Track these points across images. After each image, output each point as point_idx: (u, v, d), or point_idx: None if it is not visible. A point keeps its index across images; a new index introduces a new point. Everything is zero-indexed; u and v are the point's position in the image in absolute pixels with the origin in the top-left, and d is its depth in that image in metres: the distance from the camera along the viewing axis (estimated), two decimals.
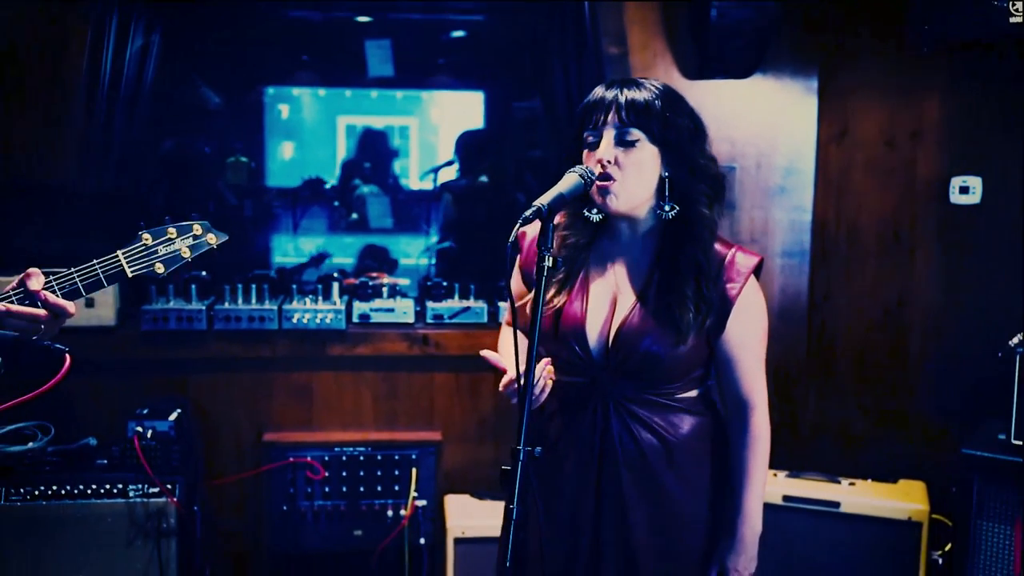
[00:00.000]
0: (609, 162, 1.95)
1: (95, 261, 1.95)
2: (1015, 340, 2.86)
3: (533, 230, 2.07)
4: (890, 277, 3.55)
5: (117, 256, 1.96)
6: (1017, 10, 2.82)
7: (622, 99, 1.97)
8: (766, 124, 3.68)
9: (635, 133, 1.96)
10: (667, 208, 2.02)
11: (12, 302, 1.87)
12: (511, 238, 1.79)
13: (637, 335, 2.00)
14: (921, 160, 3.46)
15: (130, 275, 1.96)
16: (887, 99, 3.53)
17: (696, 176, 2.02)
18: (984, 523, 2.83)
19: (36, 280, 1.87)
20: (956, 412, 3.36)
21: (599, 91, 2.02)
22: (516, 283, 2.22)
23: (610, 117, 1.97)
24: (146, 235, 1.99)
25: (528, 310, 2.04)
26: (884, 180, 3.55)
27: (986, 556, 2.82)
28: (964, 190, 3.35)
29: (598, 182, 1.94)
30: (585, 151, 2.01)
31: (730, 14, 3.32)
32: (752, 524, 2.11)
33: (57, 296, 1.90)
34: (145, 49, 4.02)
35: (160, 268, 1.98)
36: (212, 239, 2.04)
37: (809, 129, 3.68)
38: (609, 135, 1.97)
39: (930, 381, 3.49)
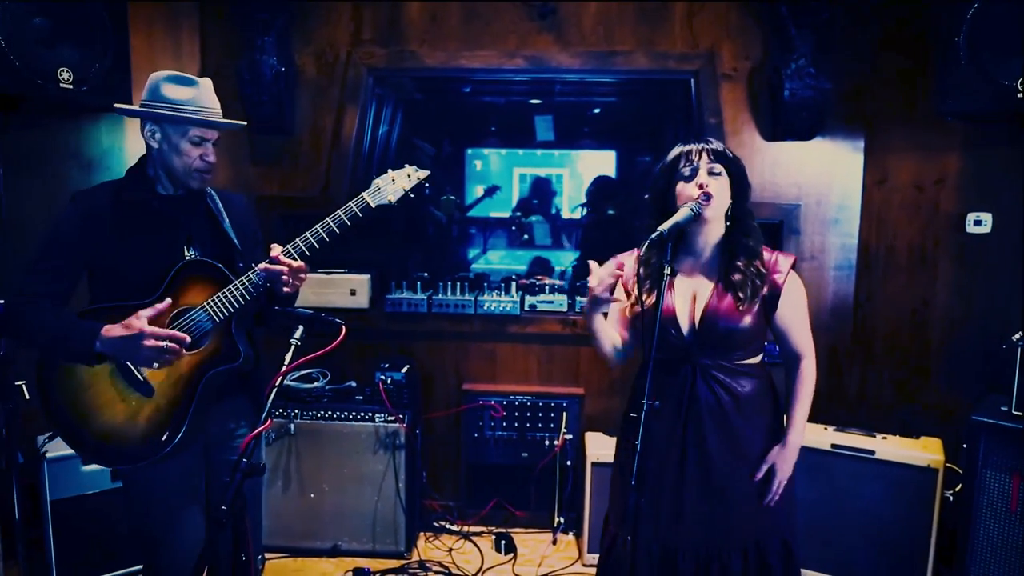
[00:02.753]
0: (706, 185, 2.02)
1: (351, 202, 2.06)
2: (1016, 336, 2.74)
3: (628, 261, 2.13)
4: (916, 285, 3.40)
5: (363, 196, 2.08)
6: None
7: (709, 148, 2.06)
8: (824, 173, 3.57)
9: (718, 167, 2.05)
10: (729, 220, 2.08)
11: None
12: (641, 253, 1.88)
13: (715, 316, 2.03)
14: (943, 200, 3.30)
15: (373, 205, 2.07)
16: (917, 155, 3.37)
17: (747, 202, 2.11)
18: (988, 472, 2.70)
19: (275, 248, 2.03)
20: (963, 388, 3.21)
21: (689, 145, 2.09)
22: (620, 293, 2.21)
23: (702, 159, 2.05)
24: (377, 180, 2.09)
25: (627, 312, 2.18)
26: (913, 215, 3.40)
27: (988, 496, 2.70)
28: (978, 223, 3.19)
29: (703, 200, 2.01)
30: (681, 181, 2.05)
31: (798, 94, 3.30)
32: (798, 433, 2.12)
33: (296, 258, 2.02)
34: (391, 124, 4.22)
35: (391, 198, 2.08)
36: (420, 175, 2.12)
37: (857, 176, 3.55)
38: (703, 169, 2.04)
39: (945, 365, 3.33)
